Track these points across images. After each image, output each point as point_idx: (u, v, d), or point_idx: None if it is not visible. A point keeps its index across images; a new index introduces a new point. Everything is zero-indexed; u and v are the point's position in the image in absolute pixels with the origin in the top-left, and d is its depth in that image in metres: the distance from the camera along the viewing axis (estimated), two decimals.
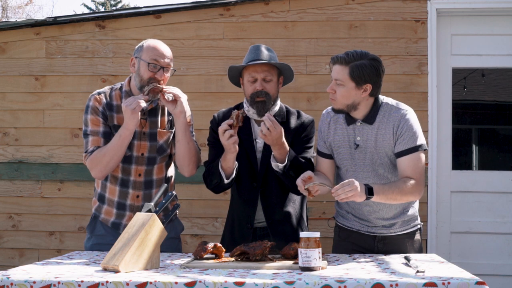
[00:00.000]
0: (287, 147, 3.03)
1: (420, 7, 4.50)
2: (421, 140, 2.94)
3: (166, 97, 3.02)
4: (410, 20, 4.51)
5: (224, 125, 2.96)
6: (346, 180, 2.71)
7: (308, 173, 2.82)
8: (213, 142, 3.22)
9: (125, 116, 2.96)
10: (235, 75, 3.24)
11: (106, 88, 3.20)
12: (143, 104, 2.95)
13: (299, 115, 3.25)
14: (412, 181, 2.87)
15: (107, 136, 3.10)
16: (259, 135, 3.02)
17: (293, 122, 3.21)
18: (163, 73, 3.06)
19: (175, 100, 3.03)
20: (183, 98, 3.09)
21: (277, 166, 3.04)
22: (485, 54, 4.61)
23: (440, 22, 4.55)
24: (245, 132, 3.18)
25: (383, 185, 2.83)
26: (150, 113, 3.15)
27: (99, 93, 3.16)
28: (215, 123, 3.24)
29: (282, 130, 2.98)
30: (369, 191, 2.73)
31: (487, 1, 4.51)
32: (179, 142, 3.11)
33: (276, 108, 3.20)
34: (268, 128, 2.93)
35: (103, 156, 3.03)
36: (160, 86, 3.03)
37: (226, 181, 3.09)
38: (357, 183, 2.69)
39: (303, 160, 3.10)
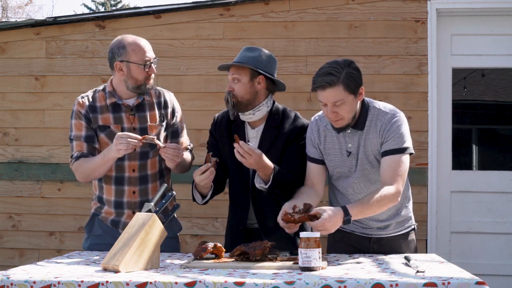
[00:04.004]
0: (271, 167, 2.96)
1: (420, 7, 4.50)
2: (407, 143, 2.88)
3: (164, 154, 3.02)
4: (410, 20, 4.51)
5: (202, 168, 2.94)
6: (322, 220, 2.59)
7: (285, 208, 2.74)
8: (211, 145, 3.25)
9: (113, 144, 2.97)
10: None
11: (89, 92, 3.24)
12: (128, 151, 2.95)
13: (295, 119, 3.16)
14: (389, 189, 2.78)
15: (90, 139, 3.14)
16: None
17: (287, 126, 3.13)
18: (153, 66, 3.14)
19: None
20: (172, 99, 3.27)
21: (261, 187, 2.99)
22: (485, 54, 4.61)
23: (440, 22, 4.56)
24: (238, 134, 3.16)
25: (362, 205, 2.73)
26: (138, 109, 3.16)
27: (82, 97, 3.20)
28: (214, 126, 3.26)
29: (259, 155, 2.90)
30: (347, 221, 2.65)
31: (487, 1, 4.51)
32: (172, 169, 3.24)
33: (263, 108, 3.13)
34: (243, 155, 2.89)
35: (86, 169, 3.10)
36: (160, 144, 3.01)
37: (200, 202, 3.12)
38: (332, 221, 2.60)
39: (290, 173, 3.01)
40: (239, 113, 3.13)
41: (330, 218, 2.60)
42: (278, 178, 2.97)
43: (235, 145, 2.89)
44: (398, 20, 4.52)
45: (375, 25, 4.53)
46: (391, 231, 3.07)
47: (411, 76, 4.50)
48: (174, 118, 3.25)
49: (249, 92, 3.10)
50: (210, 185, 3.03)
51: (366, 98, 2.96)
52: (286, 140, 3.11)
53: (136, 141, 2.93)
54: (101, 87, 3.24)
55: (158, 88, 3.30)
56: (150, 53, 3.12)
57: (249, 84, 3.11)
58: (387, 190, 2.78)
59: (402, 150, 2.86)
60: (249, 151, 2.87)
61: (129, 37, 3.14)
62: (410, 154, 2.90)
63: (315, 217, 2.61)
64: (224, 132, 3.20)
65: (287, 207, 2.73)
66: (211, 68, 4.56)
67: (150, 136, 2.98)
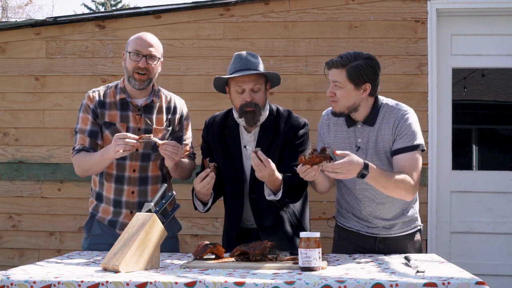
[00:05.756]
0: (280, 178, 2.93)
1: (420, 7, 4.50)
2: (419, 140, 2.93)
3: (163, 151, 3.00)
4: (410, 20, 4.51)
5: (202, 175, 2.93)
6: (342, 162, 2.66)
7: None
8: (204, 150, 3.24)
9: (111, 145, 2.97)
10: (221, 83, 3.18)
11: (102, 87, 3.27)
12: (125, 153, 2.94)
13: (289, 118, 3.15)
14: (410, 180, 2.85)
15: (94, 135, 3.16)
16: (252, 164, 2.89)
17: (283, 125, 3.12)
18: (146, 61, 3.10)
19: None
20: (181, 107, 3.27)
21: (272, 198, 2.97)
22: (485, 54, 4.61)
23: (440, 22, 4.56)
24: (233, 140, 3.16)
25: (381, 172, 2.78)
26: (145, 110, 3.17)
27: (93, 91, 3.23)
28: (205, 132, 3.24)
29: (273, 167, 2.86)
30: (363, 175, 2.71)
31: (487, 1, 4.51)
32: (171, 173, 3.22)
33: (266, 113, 3.13)
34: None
35: (84, 163, 3.12)
36: (158, 142, 3.00)
37: (202, 211, 3.12)
38: (351, 166, 2.66)
39: (295, 178, 2.96)
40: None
41: (351, 162, 2.67)
42: (287, 188, 2.95)
43: (252, 154, 2.85)
44: (398, 20, 4.52)
45: (375, 25, 4.53)
46: (396, 231, 3.07)
47: (411, 76, 4.50)
48: (181, 125, 3.25)
49: (265, 100, 3.12)
50: (210, 192, 3.02)
51: (380, 96, 3.01)
52: (284, 139, 3.11)
53: (134, 141, 2.93)
54: (114, 83, 3.26)
55: (170, 93, 3.30)
56: (144, 48, 3.11)
57: (265, 91, 3.13)
58: (408, 179, 2.84)
59: (415, 148, 2.91)
60: (265, 162, 2.84)
61: (141, 33, 3.18)
62: (422, 150, 2.95)
63: (326, 158, 2.67)
64: (217, 137, 3.19)
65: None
66: (211, 68, 4.56)
67: (146, 135, 2.99)
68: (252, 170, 3.08)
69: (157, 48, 3.16)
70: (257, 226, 3.12)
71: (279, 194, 2.95)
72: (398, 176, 2.83)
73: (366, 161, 2.73)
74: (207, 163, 2.97)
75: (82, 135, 3.15)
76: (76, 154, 3.14)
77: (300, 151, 3.10)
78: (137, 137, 2.96)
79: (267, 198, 2.99)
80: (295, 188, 3.00)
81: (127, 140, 2.92)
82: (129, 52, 3.11)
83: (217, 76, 3.16)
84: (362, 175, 2.70)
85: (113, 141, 2.95)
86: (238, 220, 3.14)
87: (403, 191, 2.85)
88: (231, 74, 3.07)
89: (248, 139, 3.14)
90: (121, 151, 2.92)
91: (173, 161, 3.03)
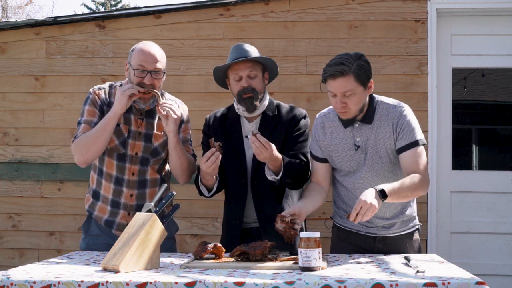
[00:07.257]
0: (280, 158, 2.98)
1: (420, 7, 4.50)
2: (419, 135, 2.94)
3: (161, 109, 3.02)
4: (410, 20, 4.51)
5: (207, 154, 2.93)
6: (358, 204, 2.63)
7: (295, 209, 2.83)
8: (206, 144, 3.24)
9: (115, 99, 3.00)
10: (222, 77, 3.23)
11: (106, 85, 3.23)
12: (134, 90, 2.97)
13: (291, 109, 3.21)
14: (418, 176, 2.86)
15: None
16: (252, 149, 2.95)
17: (285, 115, 3.18)
18: (151, 77, 3.05)
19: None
20: (181, 111, 3.16)
21: (273, 178, 3.01)
22: (485, 54, 4.61)
23: (440, 22, 4.56)
24: (235, 130, 3.18)
25: (394, 186, 2.77)
26: (148, 114, 3.16)
27: (99, 88, 3.19)
28: (207, 126, 3.26)
29: (273, 147, 2.91)
30: (383, 195, 2.69)
31: (487, 1, 4.51)
32: (170, 156, 3.16)
33: (265, 102, 3.17)
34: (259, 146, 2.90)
35: (87, 139, 3.03)
36: (157, 94, 3.02)
37: (208, 195, 3.13)
38: (370, 200, 2.63)
39: (297, 161, 3.05)
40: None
41: (365, 197, 2.63)
42: (288, 167, 3.00)
43: (251, 138, 2.89)
44: (398, 20, 4.52)
45: (375, 25, 4.53)
46: (396, 231, 3.07)
47: (411, 76, 4.50)
48: (181, 130, 3.23)
49: (262, 87, 3.16)
50: (216, 172, 3.02)
51: (374, 95, 3.00)
52: (287, 128, 3.14)
53: (140, 88, 2.98)
54: (118, 83, 3.22)
55: (172, 97, 3.27)
56: (149, 64, 3.04)
57: (262, 79, 3.17)
58: (418, 177, 2.86)
59: (417, 143, 2.92)
60: (266, 144, 2.89)
61: (143, 44, 3.11)
62: (423, 144, 2.96)
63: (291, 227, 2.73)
64: (218, 129, 3.21)
65: (291, 210, 2.82)
66: (211, 68, 4.50)
67: (153, 90, 3.03)
68: (254, 159, 3.10)
69: (162, 61, 3.09)
70: (257, 214, 3.13)
71: (280, 174, 2.99)
72: (408, 180, 2.83)
73: (375, 187, 2.72)
74: (212, 142, 2.97)
75: (87, 125, 3.09)
76: (75, 140, 3.08)
77: (301, 141, 3.14)
78: (142, 89, 3.00)
79: (268, 178, 3.02)
80: (296, 167, 3.03)
81: (131, 87, 2.96)
82: (134, 70, 3.04)
83: (216, 66, 3.21)
84: (383, 196, 2.70)
85: (118, 92, 2.97)
86: (241, 208, 3.15)
87: (419, 190, 2.89)
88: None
89: (250, 129, 3.16)
90: (129, 89, 2.94)
91: (173, 116, 3.00)
